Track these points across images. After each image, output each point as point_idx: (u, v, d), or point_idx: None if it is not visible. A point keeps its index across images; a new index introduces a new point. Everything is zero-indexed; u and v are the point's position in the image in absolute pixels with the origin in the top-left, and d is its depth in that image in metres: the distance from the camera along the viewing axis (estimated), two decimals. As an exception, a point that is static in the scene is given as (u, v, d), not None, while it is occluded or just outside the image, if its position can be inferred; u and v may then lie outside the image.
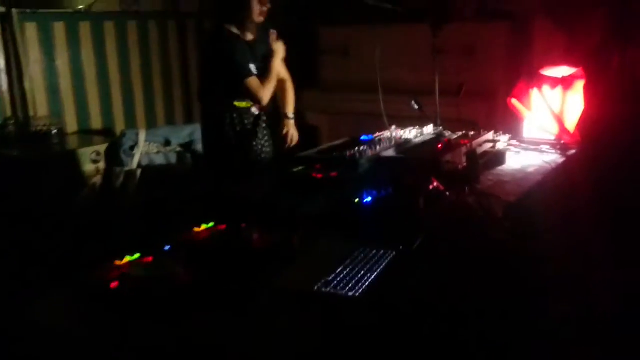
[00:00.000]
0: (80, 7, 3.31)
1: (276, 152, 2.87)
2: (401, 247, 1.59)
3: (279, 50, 2.69)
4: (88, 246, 2.13)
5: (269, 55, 2.69)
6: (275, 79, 2.68)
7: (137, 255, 1.52)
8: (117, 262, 1.48)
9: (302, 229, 1.75)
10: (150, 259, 1.52)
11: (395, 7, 2.69)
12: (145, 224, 2.26)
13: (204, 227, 1.72)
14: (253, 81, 2.59)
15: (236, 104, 2.68)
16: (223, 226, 1.73)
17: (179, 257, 1.53)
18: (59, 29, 3.66)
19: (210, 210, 1.95)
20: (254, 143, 2.77)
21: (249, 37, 2.65)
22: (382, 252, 1.58)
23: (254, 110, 2.75)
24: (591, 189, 2.33)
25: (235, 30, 2.62)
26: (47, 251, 2.52)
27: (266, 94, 2.63)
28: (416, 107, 2.66)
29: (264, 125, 2.81)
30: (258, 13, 2.57)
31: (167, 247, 1.59)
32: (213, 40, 2.70)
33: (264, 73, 2.65)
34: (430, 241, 1.61)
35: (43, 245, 2.65)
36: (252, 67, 2.63)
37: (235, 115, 2.69)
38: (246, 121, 2.72)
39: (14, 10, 3.38)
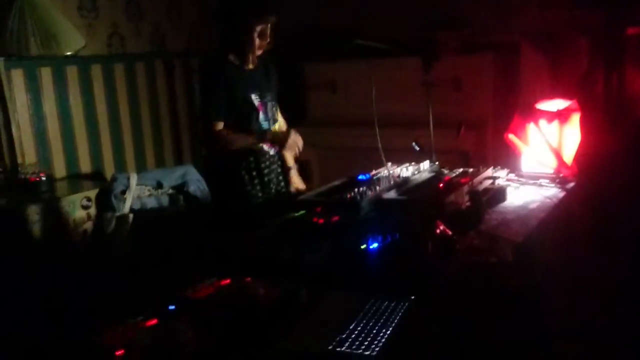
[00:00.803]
0: (69, 53, 3.27)
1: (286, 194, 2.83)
2: (413, 297, 1.55)
3: (293, 145, 2.66)
4: (84, 301, 2.06)
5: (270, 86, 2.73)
6: None
7: (140, 318, 1.46)
8: (121, 327, 1.42)
9: (308, 281, 1.71)
10: (155, 321, 1.46)
11: (385, 46, 2.68)
12: (143, 277, 2.19)
13: (207, 282, 1.67)
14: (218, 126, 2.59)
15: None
16: (227, 281, 1.68)
17: (185, 318, 1.47)
18: (46, 74, 3.62)
19: (211, 262, 1.90)
20: (271, 185, 2.75)
21: (249, 66, 2.67)
22: (394, 303, 1.53)
23: (270, 149, 2.74)
24: (593, 224, 2.31)
25: (236, 60, 2.63)
26: (39, 306, 2.43)
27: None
28: (417, 148, 2.64)
29: (278, 165, 2.80)
30: (258, 46, 2.60)
31: (171, 307, 1.54)
32: (210, 67, 2.68)
33: (264, 99, 2.67)
34: (443, 289, 1.57)
35: (35, 299, 2.57)
36: (254, 96, 2.65)
37: (251, 158, 2.67)
38: (262, 164, 2.71)
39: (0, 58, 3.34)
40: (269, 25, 2.58)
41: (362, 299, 1.56)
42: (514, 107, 3.28)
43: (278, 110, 2.84)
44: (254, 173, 2.70)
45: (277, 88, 2.85)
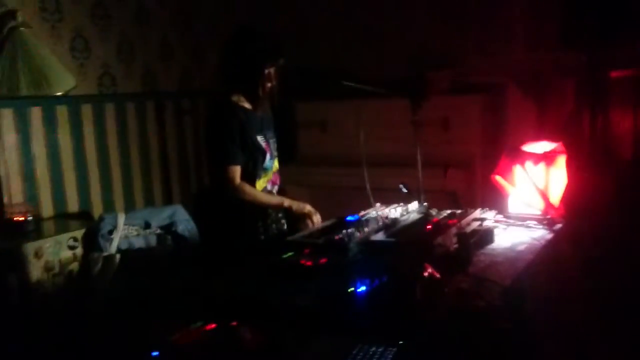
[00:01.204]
0: (59, 93, 3.28)
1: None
2: (401, 342, 1.53)
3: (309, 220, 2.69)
4: (68, 348, 2.02)
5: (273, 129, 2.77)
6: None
7: (124, 365, 1.44)
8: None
9: (295, 324, 1.69)
10: (138, 368, 1.43)
11: (374, 88, 2.72)
12: (128, 321, 2.16)
13: (192, 327, 1.64)
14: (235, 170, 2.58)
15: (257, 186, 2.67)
16: (213, 325, 1.66)
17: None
18: (36, 114, 3.62)
19: (196, 306, 1.88)
20: (268, 222, 2.74)
21: (258, 110, 2.67)
22: (382, 348, 1.51)
23: (268, 186, 2.74)
24: (581, 265, 2.32)
25: (245, 103, 2.64)
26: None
27: (244, 190, 2.60)
28: (404, 190, 2.65)
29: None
30: (267, 88, 2.61)
31: (154, 353, 1.51)
32: (221, 111, 2.64)
33: (267, 138, 2.69)
34: (431, 334, 1.55)
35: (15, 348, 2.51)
36: (259, 137, 2.65)
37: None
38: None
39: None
40: (277, 67, 2.61)
41: (349, 345, 1.54)
42: (501, 148, 3.32)
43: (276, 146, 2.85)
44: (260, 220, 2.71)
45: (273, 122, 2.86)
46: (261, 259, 2.21)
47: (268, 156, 2.69)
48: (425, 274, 1.82)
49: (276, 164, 2.82)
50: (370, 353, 1.50)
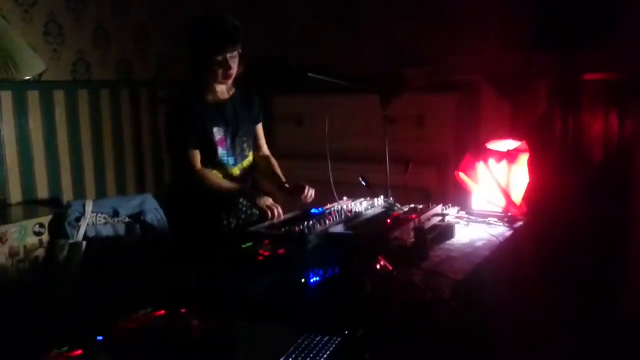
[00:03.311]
0: (28, 77, 3.25)
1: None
2: (346, 333, 1.54)
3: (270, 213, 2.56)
4: (20, 332, 2.01)
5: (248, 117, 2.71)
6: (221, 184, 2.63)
7: (65, 349, 1.43)
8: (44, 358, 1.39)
9: (246, 313, 1.69)
10: (79, 352, 1.43)
11: (340, 82, 2.73)
12: (83, 308, 2.16)
13: (141, 313, 1.64)
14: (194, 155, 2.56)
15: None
16: (162, 312, 1.66)
17: (112, 349, 1.45)
18: (6, 99, 3.59)
19: (151, 293, 1.88)
20: (238, 210, 2.72)
21: (216, 97, 2.62)
22: (327, 338, 1.53)
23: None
24: (538, 263, 2.35)
25: (199, 92, 2.60)
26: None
27: (203, 176, 2.58)
28: (364, 183, 2.66)
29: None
30: (222, 77, 2.54)
31: (99, 338, 1.51)
32: (177, 99, 2.65)
33: (229, 133, 2.62)
34: (375, 326, 1.57)
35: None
36: (216, 129, 2.58)
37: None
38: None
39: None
40: (234, 55, 2.51)
41: (295, 334, 1.55)
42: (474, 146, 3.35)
43: (250, 147, 2.76)
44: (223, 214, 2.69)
45: (259, 120, 2.80)
46: (222, 249, 2.21)
47: (221, 151, 2.61)
48: (378, 266, 1.84)
49: (244, 163, 2.73)
50: (315, 343, 1.51)
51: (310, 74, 2.58)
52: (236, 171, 2.69)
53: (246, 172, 2.75)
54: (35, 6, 3.70)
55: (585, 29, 3.83)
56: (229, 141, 2.64)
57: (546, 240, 2.61)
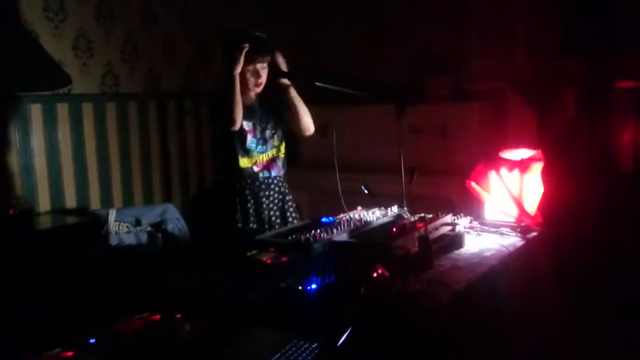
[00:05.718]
0: (56, 90, 3.36)
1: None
2: (329, 339, 1.53)
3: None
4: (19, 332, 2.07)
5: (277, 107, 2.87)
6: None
7: (57, 350, 1.47)
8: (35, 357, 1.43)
9: (241, 319, 1.70)
10: (70, 354, 1.46)
11: (350, 91, 2.74)
12: (92, 311, 2.21)
13: (137, 317, 1.67)
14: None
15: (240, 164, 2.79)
16: (157, 316, 1.68)
17: (102, 351, 1.48)
18: (36, 111, 3.72)
19: (150, 299, 1.91)
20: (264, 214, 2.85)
21: (246, 99, 2.74)
22: (314, 345, 1.52)
23: (255, 169, 2.83)
24: (549, 274, 2.28)
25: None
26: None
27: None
28: (365, 191, 2.66)
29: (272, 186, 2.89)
30: (253, 84, 2.74)
31: (91, 340, 1.54)
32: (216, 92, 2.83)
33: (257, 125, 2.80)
34: (366, 331, 1.55)
35: None
36: (245, 123, 2.74)
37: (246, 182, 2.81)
38: (255, 183, 2.84)
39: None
40: (264, 66, 2.70)
41: (284, 339, 1.55)
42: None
43: (279, 138, 2.92)
44: (249, 204, 2.81)
45: (285, 110, 2.89)
46: (224, 254, 2.25)
47: (249, 138, 2.78)
48: (375, 274, 1.82)
49: (271, 152, 2.89)
50: (302, 349, 1.50)
51: (317, 84, 2.59)
52: (263, 158, 2.86)
53: (273, 160, 2.90)
54: (65, 21, 3.83)
55: (614, 34, 3.73)
56: (258, 132, 2.83)
57: (565, 250, 2.53)
